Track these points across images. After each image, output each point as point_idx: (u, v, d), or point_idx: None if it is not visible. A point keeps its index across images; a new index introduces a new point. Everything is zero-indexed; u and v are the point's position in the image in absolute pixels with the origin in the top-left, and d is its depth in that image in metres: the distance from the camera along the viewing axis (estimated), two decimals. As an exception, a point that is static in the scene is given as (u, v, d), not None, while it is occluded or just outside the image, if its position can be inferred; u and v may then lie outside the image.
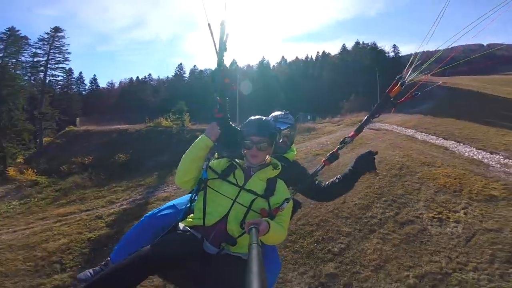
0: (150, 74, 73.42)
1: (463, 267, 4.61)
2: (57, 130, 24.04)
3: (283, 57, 59.00)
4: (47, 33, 25.43)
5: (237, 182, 1.69)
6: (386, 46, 48.88)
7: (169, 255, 1.38)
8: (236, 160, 1.79)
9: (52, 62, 26.53)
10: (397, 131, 14.28)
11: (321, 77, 46.55)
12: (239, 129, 1.87)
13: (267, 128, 1.73)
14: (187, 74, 58.16)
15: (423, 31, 2.07)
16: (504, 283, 4.16)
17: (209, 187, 1.69)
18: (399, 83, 1.85)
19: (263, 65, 53.77)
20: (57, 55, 26.90)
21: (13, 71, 21.66)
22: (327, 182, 2.05)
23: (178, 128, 21.42)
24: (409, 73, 1.87)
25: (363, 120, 1.99)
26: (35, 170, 14.92)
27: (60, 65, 27.88)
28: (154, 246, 1.40)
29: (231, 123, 2.06)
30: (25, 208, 10.98)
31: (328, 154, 2.00)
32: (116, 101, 47.88)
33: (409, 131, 14.00)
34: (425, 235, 5.48)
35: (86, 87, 50.72)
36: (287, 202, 1.66)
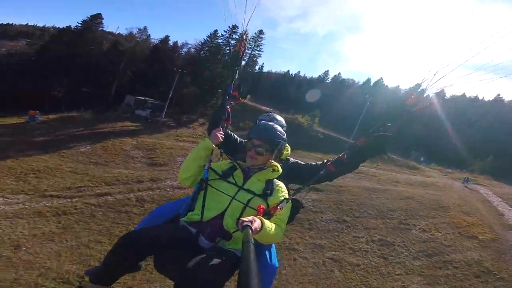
0: (299, 72, 77.19)
1: None
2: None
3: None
4: (255, 33, 36.93)
5: (236, 182, 1.78)
6: None
7: (162, 237, 1.54)
8: (238, 161, 1.88)
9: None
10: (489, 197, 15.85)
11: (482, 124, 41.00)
12: (238, 139, 2.15)
13: (271, 135, 1.81)
14: (330, 76, 60.02)
15: None
16: None
17: (209, 185, 1.78)
18: None
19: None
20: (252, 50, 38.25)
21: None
22: (330, 160, 1.98)
23: (308, 126, 28.92)
24: None
25: (374, 128, 1.88)
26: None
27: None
28: (151, 228, 1.66)
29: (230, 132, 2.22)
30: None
31: (335, 158, 1.97)
32: (268, 87, 54.69)
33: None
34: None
35: (256, 69, 54.68)
36: (286, 202, 1.71)
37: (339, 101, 45.99)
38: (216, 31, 31.70)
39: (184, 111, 23.27)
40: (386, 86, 55.23)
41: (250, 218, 1.35)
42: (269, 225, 1.51)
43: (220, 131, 1.97)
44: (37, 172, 10.79)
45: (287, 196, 1.77)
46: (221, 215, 1.70)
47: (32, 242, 7.02)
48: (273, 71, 70.61)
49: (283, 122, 2.35)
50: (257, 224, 1.35)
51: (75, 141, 14.26)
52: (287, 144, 2.14)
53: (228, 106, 2.20)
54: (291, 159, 2.26)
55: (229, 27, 31.50)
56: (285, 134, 1.92)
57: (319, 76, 61.20)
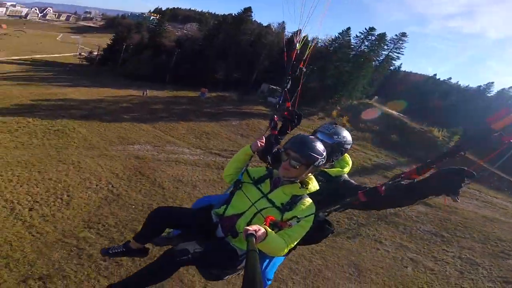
0: (449, 78, 65.57)
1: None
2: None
3: None
4: (396, 35, 33.87)
5: (262, 190, 1.89)
6: None
7: (182, 216, 2.04)
8: (274, 170, 1.97)
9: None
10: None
11: None
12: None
13: (307, 150, 1.75)
14: (495, 89, 46.76)
15: None
16: None
17: (241, 187, 1.97)
18: None
19: None
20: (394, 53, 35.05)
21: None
22: (392, 184, 1.63)
23: (443, 143, 24.80)
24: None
25: (434, 158, 1.54)
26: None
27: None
28: (176, 208, 2.28)
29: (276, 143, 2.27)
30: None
31: (369, 187, 1.74)
32: (403, 90, 48.93)
33: None
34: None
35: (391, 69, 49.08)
36: (297, 222, 1.69)
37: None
38: (349, 29, 31.26)
39: (305, 103, 25.56)
40: None
41: (255, 227, 1.39)
42: (274, 237, 1.54)
43: (262, 139, 2.04)
44: (207, 134, 15.80)
45: (302, 216, 1.71)
46: (238, 216, 1.88)
47: (203, 184, 11.10)
48: (413, 71, 62.06)
49: (345, 139, 2.15)
50: (261, 233, 1.39)
51: (228, 116, 19.28)
52: (345, 161, 2.20)
53: (276, 116, 2.26)
54: (345, 177, 2.14)
55: (366, 29, 30.62)
56: (326, 151, 1.82)
57: (479, 86, 49.68)
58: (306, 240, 1.93)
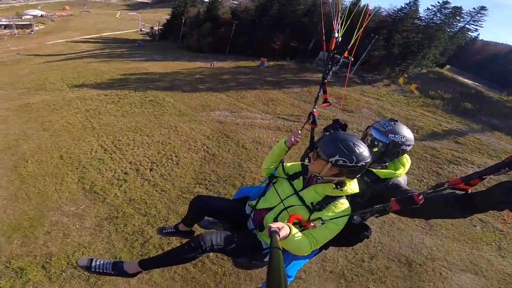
0: None
1: None
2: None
3: None
4: (474, 8, 29.32)
5: (295, 186, 1.87)
6: None
7: (218, 206, 2.15)
8: (307, 166, 1.89)
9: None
10: None
11: None
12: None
13: (326, 145, 1.67)
14: None
15: None
16: None
17: (275, 182, 2.00)
18: None
19: None
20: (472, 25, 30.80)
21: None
22: (432, 193, 1.40)
23: None
24: None
25: (487, 168, 1.24)
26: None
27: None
28: (215, 198, 2.23)
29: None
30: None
31: (404, 196, 1.47)
32: (480, 59, 43.93)
33: None
34: None
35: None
36: (322, 223, 1.64)
37: None
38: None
39: (370, 70, 24.40)
40: None
41: (280, 224, 1.39)
42: (297, 236, 1.52)
43: (298, 135, 2.03)
44: (273, 101, 16.42)
45: (327, 218, 1.65)
46: (268, 210, 1.89)
47: (274, 146, 11.92)
48: (492, 41, 53.09)
49: (404, 138, 1.92)
50: (284, 231, 1.39)
51: (290, 84, 19.51)
52: (401, 163, 2.01)
53: (315, 109, 2.17)
54: (395, 180, 1.91)
55: (438, 2, 26.90)
56: (355, 153, 1.61)
57: None
58: (340, 242, 1.90)
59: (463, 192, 1.37)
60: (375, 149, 1.98)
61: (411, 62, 26.38)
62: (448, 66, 31.54)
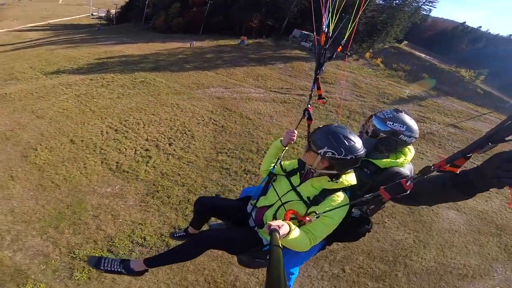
0: (480, 27, 60.95)
1: None
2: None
3: None
4: None
5: (293, 182, 1.84)
6: None
7: (220, 206, 2.22)
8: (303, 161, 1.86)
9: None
10: None
11: None
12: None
13: (317, 136, 1.66)
14: None
15: None
16: None
17: (274, 180, 1.97)
18: None
19: None
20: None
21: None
22: (420, 177, 1.28)
23: (469, 80, 25.73)
24: None
25: (471, 145, 1.12)
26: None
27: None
28: (216, 198, 2.37)
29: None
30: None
31: (392, 184, 1.32)
32: (432, 35, 46.67)
33: None
34: None
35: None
36: (316, 217, 1.57)
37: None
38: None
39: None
40: None
41: (279, 222, 1.35)
42: (297, 233, 1.48)
43: (293, 133, 1.99)
44: (262, 76, 16.65)
45: (322, 211, 1.57)
46: (268, 207, 1.87)
47: (277, 115, 12.37)
48: (442, 17, 58.02)
49: (404, 127, 1.80)
50: (284, 229, 1.34)
51: (273, 60, 19.75)
52: (403, 153, 1.88)
53: (309, 106, 2.11)
54: (396, 169, 1.76)
55: None
56: (345, 145, 1.58)
57: (510, 35, 47.69)
58: (342, 237, 1.87)
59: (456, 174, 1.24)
60: (377, 138, 1.86)
61: (376, 39, 28.37)
62: (405, 42, 34.03)
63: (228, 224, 2.23)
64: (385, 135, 1.82)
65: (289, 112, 12.80)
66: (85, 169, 7.54)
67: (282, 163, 2.02)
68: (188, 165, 8.28)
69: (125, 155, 8.33)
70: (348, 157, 1.59)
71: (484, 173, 1.13)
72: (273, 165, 2.04)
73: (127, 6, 45.12)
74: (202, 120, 10.96)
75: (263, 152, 9.30)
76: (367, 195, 1.44)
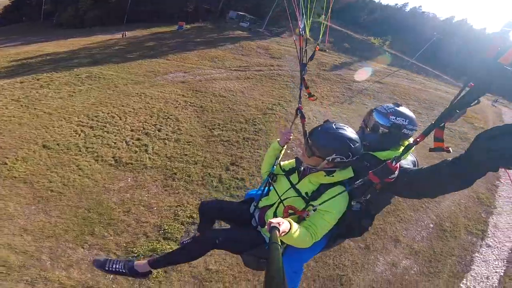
0: None
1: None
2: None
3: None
4: None
5: (292, 180, 1.84)
6: None
7: (224, 208, 2.20)
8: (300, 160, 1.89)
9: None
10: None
11: None
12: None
13: (321, 141, 1.61)
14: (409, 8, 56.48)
15: None
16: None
17: (275, 180, 1.96)
18: None
19: None
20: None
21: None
22: (403, 154, 1.33)
23: (379, 46, 31.00)
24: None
25: (440, 115, 1.16)
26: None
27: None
28: (219, 201, 2.49)
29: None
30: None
31: (379, 167, 1.34)
32: (337, 9, 52.58)
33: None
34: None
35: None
36: (314, 210, 1.59)
37: (415, 33, 41.96)
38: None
39: (274, 24, 26.75)
40: (471, 26, 49.38)
41: (279, 220, 1.32)
42: (297, 229, 1.45)
43: (289, 133, 2.00)
44: (217, 57, 16.42)
45: (317, 204, 1.59)
46: (269, 207, 1.89)
47: (247, 91, 12.68)
48: None
49: (406, 121, 1.73)
50: (284, 226, 1.31)
51: (220, 42, 19.50)
52: (402, 144, 1.79)
53: (300, 104, 2.11)
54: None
55: None
56: (350, 148, 1.56)
57: (396, 4, 57.73)
58: (345, 233, 1.85)
59: (456, 158, 1.20)
60: (379, 133, 1.83)
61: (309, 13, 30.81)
62: (322, 16, 37.54)
63: (232, 225, 2.21)
64: (386, 130, 1.77)
65: (256, 86, 13.17)
66: (82, 171, 6.56)
67: (281, 164, 2.04)
68: (189, 145, 8.02)
69: (118, 149, 7.51)
70: (354, 158, 1.62)
71: (472, 157, 1.07)
72: (272, 167, 2.02)
73: (15, 5, 36.50)
74: (179, 104, 10.46)
75: (251, 121, 9.58)
76: (358, 181, 1.45)
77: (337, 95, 13.78)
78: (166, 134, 8.42)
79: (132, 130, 8.43)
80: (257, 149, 8.10)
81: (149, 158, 7.27)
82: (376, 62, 25.01)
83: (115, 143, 7.72)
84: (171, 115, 9.54)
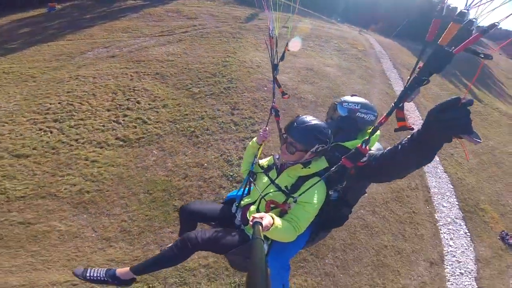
0: None
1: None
2: None
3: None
4: None
5: (271, 176, 1.87)
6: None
7: (205, 210, 2.14)
8: (277, 156, 1.91)
9: None
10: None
11: None
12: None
13: (302, 135, 1.66)
14: None
15: None
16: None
17: (255, 178, 1.98)
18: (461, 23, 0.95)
19: None
20: None
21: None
22: (363, 142, 1.35)
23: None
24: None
25: (398, 97, 1.21)
26: None
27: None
28: (200, 203, 2.26)
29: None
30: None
31: (351, 151, 1.40)
32: None
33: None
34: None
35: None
36: (295, 202, 1.62)
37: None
38: None
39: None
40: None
41: (262, 214, 1.32)
42: (280, 223, 1.45)
43: (266, 132, 2.05)
44: (131, 28, 14.25)
45: (297, 196, 1.63)
46: (251, 204, 1.91)
47: (189, 50, 12.09)
48: None
49: (359, 105, 1.84)
50: (267, 221, 1.31)
51: (120, 14, 16.63)
52: (367, 133, 1.83)
53: (274, 103, 2.14)
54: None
55: None
56: (327, 135, 1.67)
57: None
58: (327, 224, 1.87)
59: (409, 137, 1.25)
60: (339, 120, 1.93)
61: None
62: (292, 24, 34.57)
63: (215, 226, 2.20)
64: (344, 115, 1.89)
65: (194, 46, 12.19)
66: (97, 162, 5.63)
67: (259, 162, 2.08)
68: (180, 106, 7.71)
69: (114, 129, 6.58)
70: (333, 144, 1.74)
71: (428, 128, 1.14)
72: (251, 165, 2.07)
73: None
74: (131, 76, 9.27)
75: (218, 74, 9.61)
76: (332, 168, 1.49)
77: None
78: (149, 104, 7.74)
79: (109, 110, 7.34)
80: (242, 93, 8.57)
81: (155, 127, 6.80)
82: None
83: (103, 126, 6.70)
84: (134, 87, 8.56)
